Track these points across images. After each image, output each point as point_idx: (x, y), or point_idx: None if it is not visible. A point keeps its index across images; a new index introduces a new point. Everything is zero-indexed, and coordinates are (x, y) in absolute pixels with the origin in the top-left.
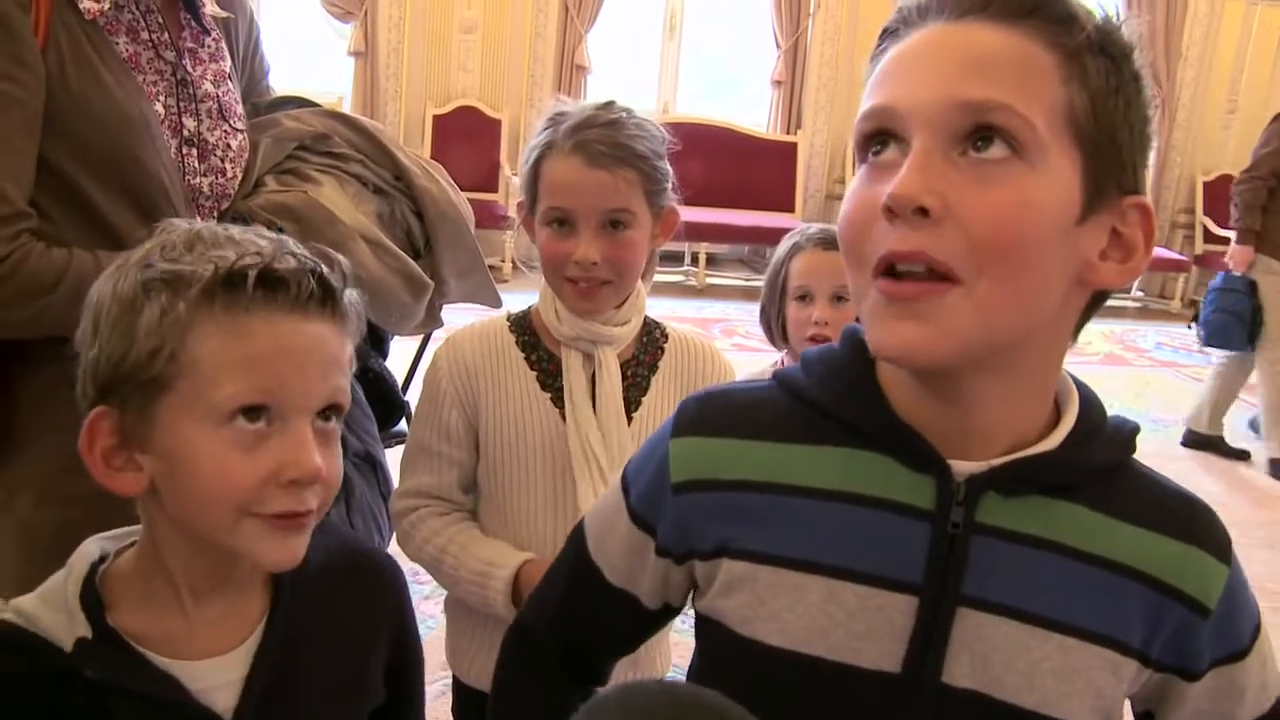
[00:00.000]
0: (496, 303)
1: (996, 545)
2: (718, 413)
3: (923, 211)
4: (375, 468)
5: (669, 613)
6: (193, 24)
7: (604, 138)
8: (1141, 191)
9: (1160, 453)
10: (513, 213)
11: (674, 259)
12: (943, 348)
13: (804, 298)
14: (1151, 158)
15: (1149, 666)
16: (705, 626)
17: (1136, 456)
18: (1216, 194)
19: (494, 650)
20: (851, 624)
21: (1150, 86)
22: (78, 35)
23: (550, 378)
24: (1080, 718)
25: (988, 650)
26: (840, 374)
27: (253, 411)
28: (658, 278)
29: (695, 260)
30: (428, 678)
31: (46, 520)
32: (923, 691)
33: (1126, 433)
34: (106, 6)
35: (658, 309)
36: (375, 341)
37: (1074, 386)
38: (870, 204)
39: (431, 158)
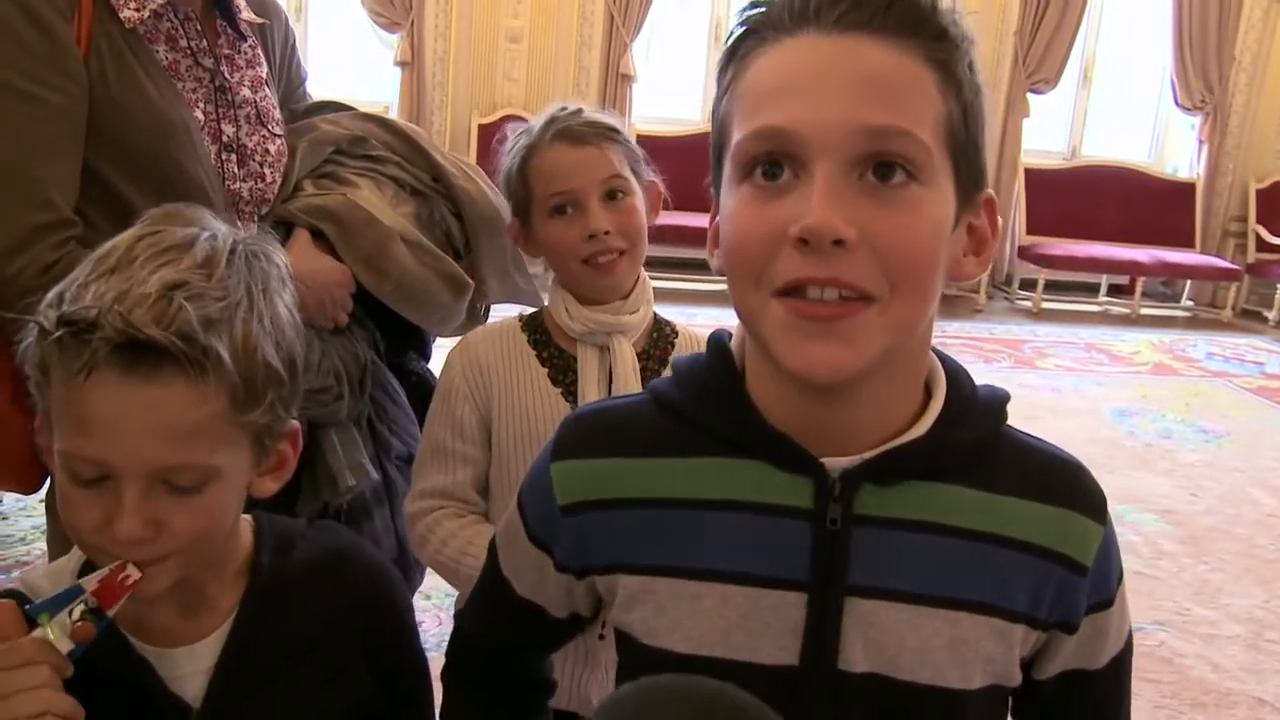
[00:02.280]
0: (538, 302)
1: (877, 534)
2: (592, 433)
3: (838, 242)
4: None
5: (579, 621)
6: (229, 31)
7: (578, 120)
8: (988, 185)
9: (1213, 463)
10: None
11: (700, 268)
12: (859, 364)
13: None
14: (1202, 164)
15: (1037, 628)
16: (618, 636)
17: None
18: (1270, 201)
19: None
20: (747, 624)
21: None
22: (119, 44)
23: (561, 374)
24: (975, 684)
25: (880, 634)
26: (709, 384)
27: (87, 464)
28: (703, 286)
29: None
30: None
31: None
32: (822, 680)
33: (997, 405)
34: (146, 15)
35: (703, 318)
36: (417, 343)
37: (940, 368)
38: (770, 230)
39: (477, 165)
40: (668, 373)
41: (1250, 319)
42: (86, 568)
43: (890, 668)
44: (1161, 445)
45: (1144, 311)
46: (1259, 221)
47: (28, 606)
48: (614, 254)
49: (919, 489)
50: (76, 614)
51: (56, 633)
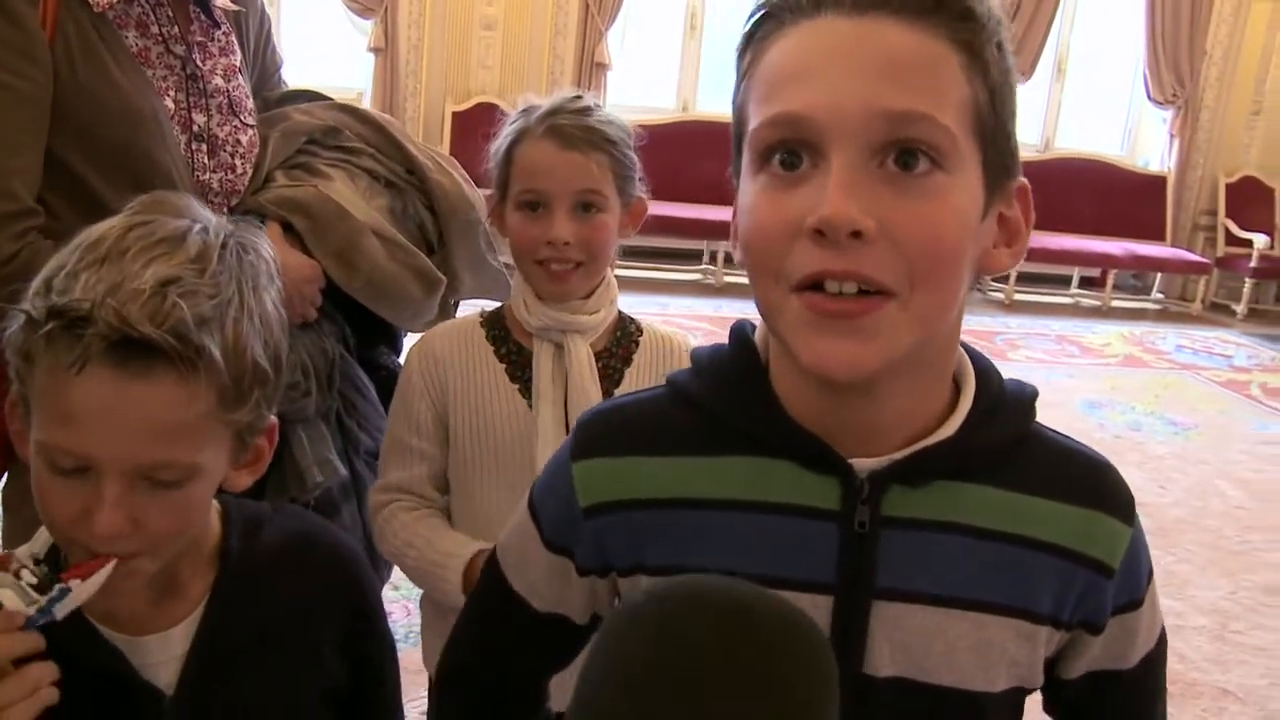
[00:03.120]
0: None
1: (905, 536)
2: (615, 431)
3: (856, 234)
4: None
5: (598, 622)
6: (202, 18)
7: (576, 122)
8: (1020, 172)
9: (1182, 455)
10: None
11: (693, 257)
12: (881, 362)
13: None
14: (1173, 158)
15: (1061, 628)
16: None
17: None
18: (1239, 195)
19: None
20: None
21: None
22: (86, 29)
23: (519, 370)
24: (999, 686)
25: (906, 637)
26: (732, 379)
27: (68, 456)
28: (676, 276)
29: (714, 259)
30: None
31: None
32: (847, 684)
33: (1026, 401)
34: (115, 0)
35: (676, 308)
36: (388, 338)
37: (969, 364)
38: (787, 221)
39: (451, 154)
40: (632, 372)
41: (1219, 312)
42: (53, 554)
43: (917, 671)
44: (1131, 437)
45: (1115, 304)
46: (1228, 215)
47: None
48: (569, 264)
49: (947, 489)
50: (32, 575)
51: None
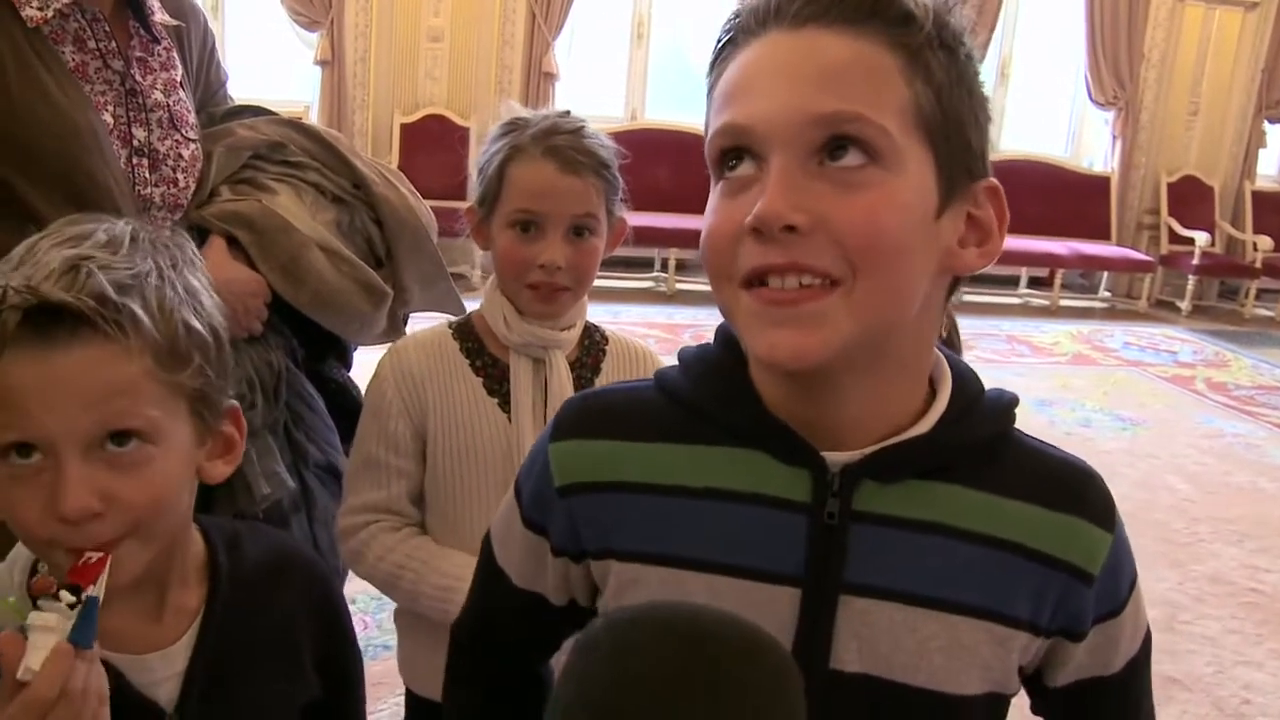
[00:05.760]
0: (461, 310)
1: (876, 531)
2: (596, 414)
3: (791, 228)
4: (338, 478)
5: (578, 610)
6: (142, 32)
7: (575, 144)
8: (990, 173)
9: (1130, 450)
10: None
11: (644, 265)
12: (827, 350)
13: None
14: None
15: (1039, 635)
16: None
17: (1088, 462)
18: (1180, 195)
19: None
20: None
21: (980, 66)
22: (20, 44)
23: (496, 383)
24: (970, 690)
25: (874, 634)
26: (714, 373)
27: (23, 447)
28: (628, 284)
29: (665, 266)
30: (386, 697)
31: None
32: (813, 678)
33: (1004, 405)
34: (50, 15)
35: (629, 315)
36: (338, 351)
37: (948, 367)
38: (732, 222)
39: (399, 166)
40: (601, 380)
41: (1164, 309)
42: (32, 576)
43: (884, 669)
44: (1081, 434)
45: (1063, 303)
46: (1170, 214)
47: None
48: (558, 288)
49: (921, 488)
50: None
51: (44, 619)
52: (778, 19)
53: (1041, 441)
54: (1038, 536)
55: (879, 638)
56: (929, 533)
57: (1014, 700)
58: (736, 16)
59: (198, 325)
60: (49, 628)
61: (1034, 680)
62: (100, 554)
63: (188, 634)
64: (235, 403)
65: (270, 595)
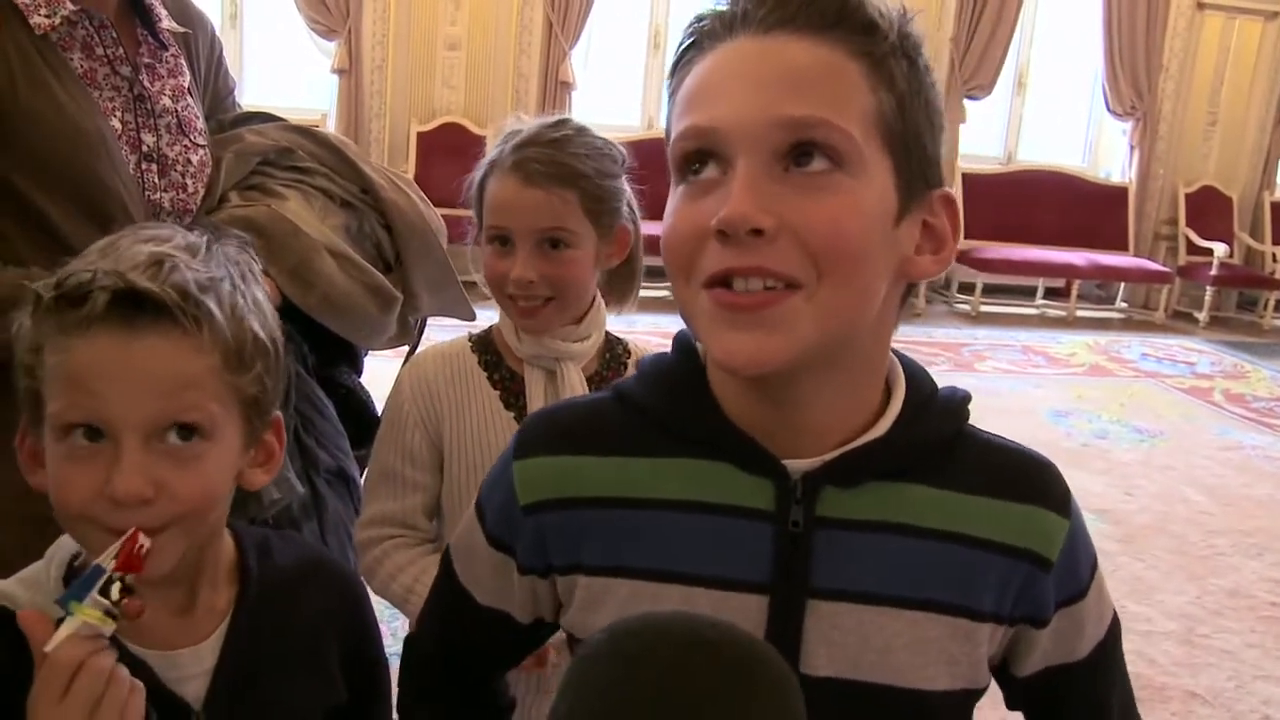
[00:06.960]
0: (470, 316)
1: (840, 536)
2: (557, 431)
3: (757, 232)
4: (349, 484)
5: (543, 626)
6: (149, 39)
7: (543, 156)
8: (944, 183)
9: (1148, 462)
10: None
11: (660, 274)
12: (787, 354)
13: None
14: (1134, 169)
15: (1003, 624)
16: (572, 642)
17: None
18: (1198, 205)
19: None
20: None
21: (938, 77)
22: (29, 51)
23: (514, 397)
24: (938, 685)
25: (843, 637)
26: (673, 383)
27: (90, 429)
28: (644, 293)
29: None
30: None
31: (9, 542)
32: None
33: (957, 403)
34: (58, 21)
35: (643, 324)
36: (348, 357)
37: (901, 369)
38: (697, 224)
39: (416, 175)
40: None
41: (1182, 320)
42: (71, 572)
43: (853, 670)
44: (1097, 445)
45: (1080, 314)
46: (1188, 224)
47: (57, 599)
48: (537, 300)
49: (882, 490)
50: (115, 593)
51: (94, 616)
52: (745, 24)
53: (996, 435)
54: (998, 529)
55: (847, 640)
56: (892, 533)
57: (997, 698)
58: (701, 21)
59: (262, 335)
60: (84, 610)
61: (1003, 671)
62: (147, 543)
63: (217, 632)
64: (279, 413)
65: (299, 599)
